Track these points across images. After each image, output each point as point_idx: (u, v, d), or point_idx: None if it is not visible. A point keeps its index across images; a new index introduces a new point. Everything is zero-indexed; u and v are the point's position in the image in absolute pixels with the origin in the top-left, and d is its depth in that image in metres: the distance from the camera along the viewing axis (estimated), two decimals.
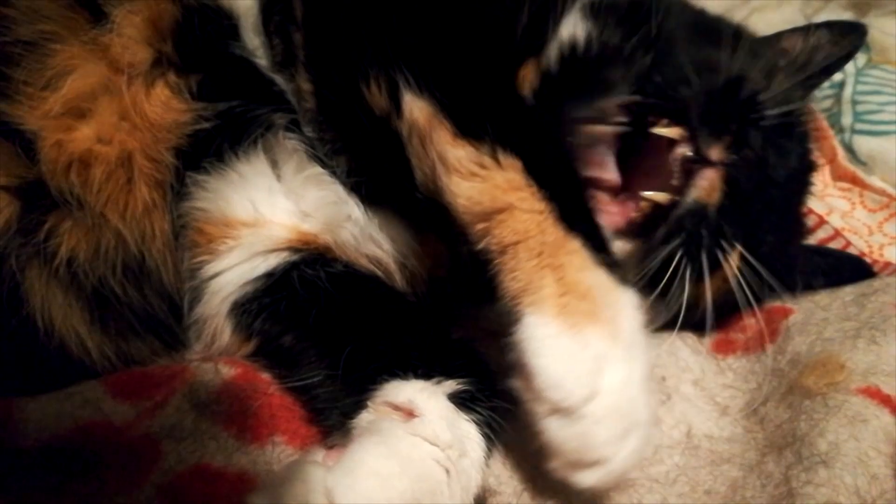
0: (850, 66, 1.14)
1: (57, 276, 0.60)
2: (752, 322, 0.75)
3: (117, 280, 0.62)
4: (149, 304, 0.64)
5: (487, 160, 0.56)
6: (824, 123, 1.01)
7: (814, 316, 0.71)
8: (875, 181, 0.94)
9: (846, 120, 1.02)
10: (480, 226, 0.57)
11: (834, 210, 0.94)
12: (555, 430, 0.51)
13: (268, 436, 0.59)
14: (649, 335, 0.70)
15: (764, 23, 1.02)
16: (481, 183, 0.56)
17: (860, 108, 1.02)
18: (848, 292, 0.76)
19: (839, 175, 0.96)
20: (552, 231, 0.55)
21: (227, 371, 0.61)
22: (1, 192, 0.58)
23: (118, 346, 0.63)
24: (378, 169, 0.66)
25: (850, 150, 0.99)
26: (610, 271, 0.55)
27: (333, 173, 0.67)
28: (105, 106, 0.61)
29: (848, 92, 1.04)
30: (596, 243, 0.56)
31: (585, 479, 0.51)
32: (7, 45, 0.58)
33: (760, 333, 0.72)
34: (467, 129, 0.57)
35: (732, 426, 0.65)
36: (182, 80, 0.64)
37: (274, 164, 0.68)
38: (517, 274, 0.54)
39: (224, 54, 0.65)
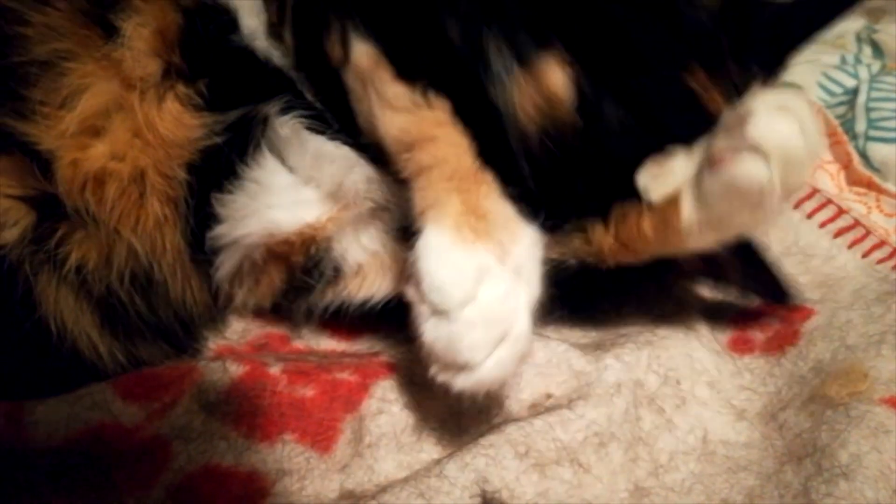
0: (864, 73, 1.12)
1: (67, 281, 0.59)
2: (771, 320, 0.74)
3: (125, 289, 0.62)
4: (156, 313, 0.64)
5: (420, 99, 0.60)
6: (839, 129, 0.98)
7: (836, 317, 0.69)
8: (891, 186, 0.91)
9: (860, 126, 0.99)
10: (406, 155, 0.60)
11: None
12: (430, 331, 0.54)
13: (277, 434, 0.59)
14: (667, 333, 0.71)
15: None
16: (411, 116, 0.60)
17: (874, 114, 1.00)
18: (872, 290, 0.74)
19: (855, 180, 0.93)
20: (467, 161, 0.59)
21: (235, 369, 0.60)
22: (19, 203, 0.58)
23: (128, 350, 0.63)
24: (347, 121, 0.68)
25: (863, 156, 0.96)
26: (516, 206, 0.58)
27: (335, 137, 0.68)
28: (118, 123, 0.60)
29: (862, 98, 1.02)
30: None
31: (458, 382, 0.54)
32: (24, 65, 0.57)
33: (780, 334, 0.71)
34: (405, 71, 0.61)
35: (749, 431, 0.64)
36: (191, 89, 0.63)
37: (282, 159, 0.66)
38: (426, 192, 0.58)
39: (227, 51, 0.64)
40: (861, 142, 0.98)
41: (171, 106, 0.62)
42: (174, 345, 0.66)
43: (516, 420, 0.59)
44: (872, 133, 0.98)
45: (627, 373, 0.65)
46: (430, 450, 0.61)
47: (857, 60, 1.15)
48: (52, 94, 0.57)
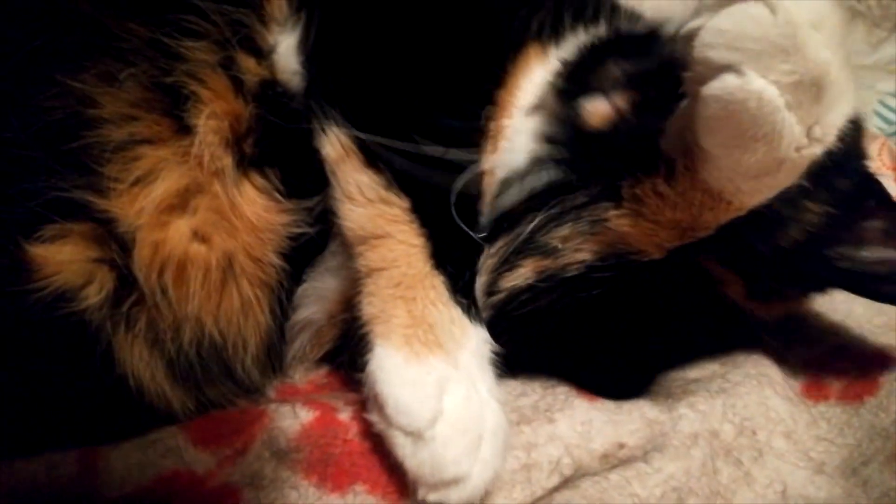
0: None
1: (140, 339, 0.59)
2: (846, 367, 0.71)
3: (194, 352, 0.61)
4: (225, 367, 0.64)
5: (382, 192, 0.61)
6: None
7: None
8: None
9: None
10: (359, 248, 0.61)
11: None
12: (410, 457, 0.54)
13: (349, 485, 0.57)
14: (739, 380, 0.68)
15: None
16: (370, 210, 0.60)
17: None
18: None
19: None
20: (418, 265, 0.60)
21: (306, 415, 0.59)
22: (103, 266, 0.58)
23: (197, 397, 0.62)
24: None
25: None
26: (464, 308, 0.60)
27: None
28: (201, 204, 0.60)
29: None
30: (462, 280, 0.61)
31: (452, 497, 0.54)
32: (97, 144, 0.57)
33: (857, 382, 0.69)
34: (372, 162, 0.61)
35: (830, 486, 0.61)
36: (267, 177, 0.63)
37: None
38: (373, 299, 0.59)
39: (298, 138, 0.64)
40: None
41: (252, 192, 0.62)
42: (241, 386, 0.65)
43: (591, 475, 0.58)
44: None
45: (703, 423, 0.63)
46: None
47: None
48: (125, 173, 0.57)
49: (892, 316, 0.77)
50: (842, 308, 0.79)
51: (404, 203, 0.61)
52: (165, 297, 0.59)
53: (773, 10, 0.46)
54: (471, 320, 0.59)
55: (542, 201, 0.65)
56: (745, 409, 0.66)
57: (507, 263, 0.66)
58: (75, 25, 0.57)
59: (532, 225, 0.64)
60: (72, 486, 0.54)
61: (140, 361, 0.59)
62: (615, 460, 0.60)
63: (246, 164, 0.63)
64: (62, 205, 0.55)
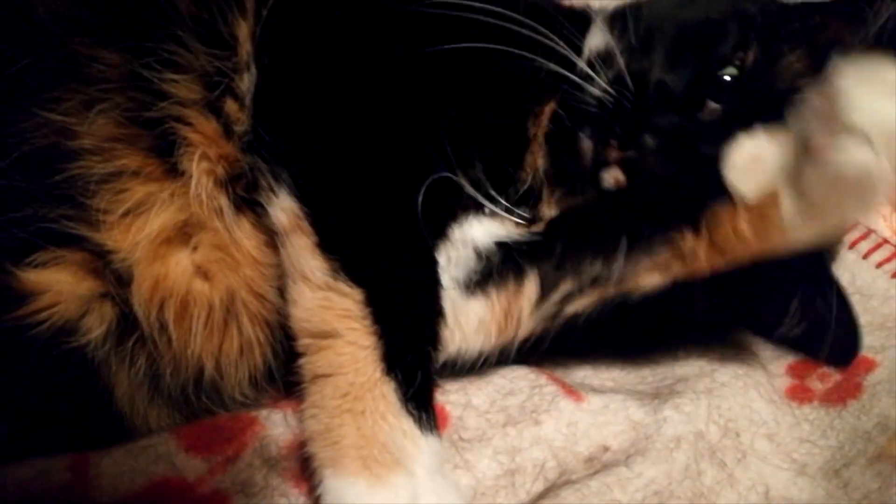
0: None
1: (140, 376, 0.60)
2: (829, 370, 0.72)
3: (192, 390, 0.62)
4: (220, 396, 0.64)
5: (332, 281, 0.57)
6: None
7: None
8: None
9: None
10: (306, 341, 0.58)
11: None
12: None
13: None
14: (726, 380, 0.70)
15: None
16: (321, 301, 0.57)
17: None
18: None
19: None
20: (368, 371, 0.56)
21: (297, 424, 0.60)
22: (104, 300, 0.58)
23: (188, 417, 0.63)
24: None
25: None
26: (415, 419, 0.56)
27: None
28: (201, 238, 0.60)
29: None
30: (413, 386, 0.56)
31: None
32: (78, 176, 0.56)
33: (840, 386, 0.70)
34: (328, 245, 0.58)
35: (812, 487, 0.63)
36: (264, 217, 0.62)
37: None
38: (318, 413, 0.56)
39: None
40: None
41: (250, 228, 0.62)
42: (235, 404, 0.65)
43: (573, 482, 0.58)
44: None
45: (687, 425, 0.64)
46: None
47: None
48: (113, 205, 0.57)
49: (876, 315, 0.78)
50: None
51: (357, 294, 0.57)
52: (166, 333, 0.59)
53: None
54: (422, 431, 0.56)
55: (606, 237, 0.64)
56: (729, 410, 0.67)
57: (573, 295, 0.66)
58: (45, 52, 0.57)
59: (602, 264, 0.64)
60: (63, 491, 0.54)
61: (138, 398, 0.60)
62: (599, 464, 0.61)
63: (241, 203, 0.62)
64: (52, 234, 0.56)
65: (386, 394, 0.55)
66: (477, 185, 0.67)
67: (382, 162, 0.61)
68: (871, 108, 0.49)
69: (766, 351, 0.76)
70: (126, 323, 0.58)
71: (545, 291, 0.66)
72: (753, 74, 0.64)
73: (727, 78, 0.64)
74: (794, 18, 0.67)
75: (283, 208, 0.59)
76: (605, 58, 0.68)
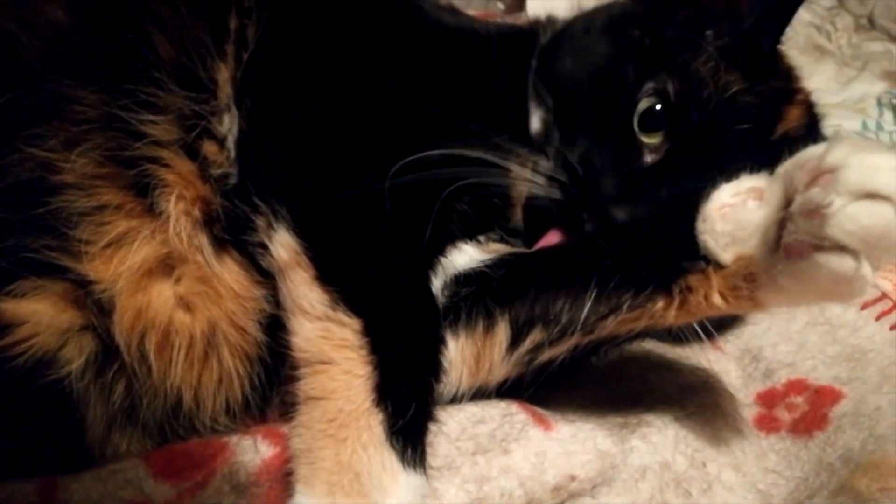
0: (885, 139, 1.12)
1: (116, 409, 0.61)
2: (798, 401, 0.73)
3: (168, 421, 0.63)
4: (192, 425, 0.64)
5: (330, 312, 0.59)
6: None
7: (865, 403, 0.69)
8: None
9: None
10: (303, 370, 0.59)
11: None
12: None
13: None
14: (693, 409, 0.71)
15: None
16: (320, 332, 0.59)
17: None
18: None
19: None
20: (358, 400, 0.57)
21: (266, 450, 0.61)
22: (85, 332, 0.59)
23: (160, 443, 0.63)
24: None
25: None
26: (399, 454, 0.56)
27: None
28: (184, 273, 0.61)
29: None
30: (404, 418, 0.57)
31: None
32: (62, 209, 0.57)
33: (807, 417, 0.71)
34: (326, 277, 0.60)
35: None
36: (243, 255, 0.63)
37: None
38: (303, 433, 0.57)
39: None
40: None
41: (232, 263, 0.63)
42: (209, 431, 0.65)
43: None
44: None
45: (654, 455, 0.65)
46: None
47: (879, 127, 1.15)
48: (96, 236, 0.58)
49: (845, 346, 0.79)
50: (796, 337, 0.82)
51: (355, 324, 0.58)
52: (146, 364, 0.59)
53: None
54: (405, 466, 0.56)
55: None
56: (696, 440, 0.68)
57: (543, 346, 0.66)
58: (29, 89, 0.58)
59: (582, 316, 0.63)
60: None
61: (112, 425, 0.60)
62: (565, 493, 0.62)
63: (222, 240, 0.63)
64: (35, 264, 0.56)
65: (372, 425, 0.56)
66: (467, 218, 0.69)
67: (376, 195, 0.62)
68: (858, 223, 0.49)
69: (735, 380, 0.78)
70: (106, 354, 0.59)
71: (515, 340, 0.66)
72: (693, 96, 0.66)
73: (658, 107, 0.67)
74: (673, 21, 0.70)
75: (282, 244, 0.61)
76: (545, 138, 0.71)
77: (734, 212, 0.58)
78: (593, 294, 0.61)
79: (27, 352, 0.56)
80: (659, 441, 0.66)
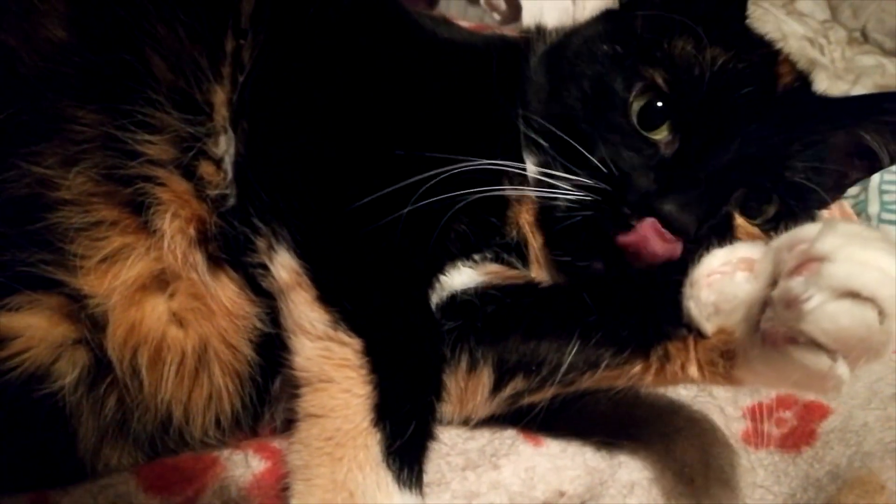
0: None
1: (108, 422, 0.61)
2: (787, 415, 0.74)
3: (159, 435, 0.63)
4: (183, 440, 0.65)
5: (331, 332, 0.59)
6: (850, 211, 0.99)
7: (853, 419, 0.69)
8: None
9: (873, 208, 1.02)
10: (303, 390, 0.60)
11: None
12: None
13: None
14: (682, 424, 0.71)
15: None
16: (321, 351, 0.59)
17: (887, 196, 1.02)
18: (888, 384, 0.74)
19: None
20: (356, 420, 0.57)
21: (258, 465, 0.61)
22: (78, 346, 0.59)
23: (150, 457, 0.63)
24: None
25: None
26: (395, 475, 0.56)
27: None
28: (178, 288, 0.61)
29: (875, 180, 1.04)
30: (403, 438, 0.57)
31: None
32: (58, 224, 0.58)
33: (796, 432, 0.71)
34: (327, 297, 0.60)
35: None
36: (238, 274, 0.64)
37: None
38: (301, 449, 0.57)
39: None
40: (874, 224, 0.99)
41: (226, 280, 0.63)
42: (200, 445, 0.65)
43: None
44: (885, 216, 0.99)
45: (642, 470, 0.66)
46: None
47: None
48: (91, 251, 0.58)
49: None
50: None
51: (356, 344, 0.59)
52: (138, 378, 0.59)
53: (882, 319, 0.47)
54: (400, 487, 0.56)
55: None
56: (684, 455, 0.68)
57: (524, 394, 0.66)
58: (28, 107, 0.58)
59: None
60: None
61: (103, 439, 0.60)
62: None
63: (217, 259, 0.63)
64: (30, 278, 0.57)
65: (369, 444, 0.56)
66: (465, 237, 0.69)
67: (376, 215, 0.62)
68: (836, 324, 0.47)
69: (724, 393, 0.78)
70: (98, 368, 0.59)
71: (498, 385, 0.66)
72: (684, 78, 0.67)
73: (659, 104, 0.68)
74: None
75: (283, 265, 0.61)
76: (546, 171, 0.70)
77: (721, 282, 0.57)
78: (574, 349, 0.62)
79: (20, 366, 0.56)
80: (647, 456, 0.67)
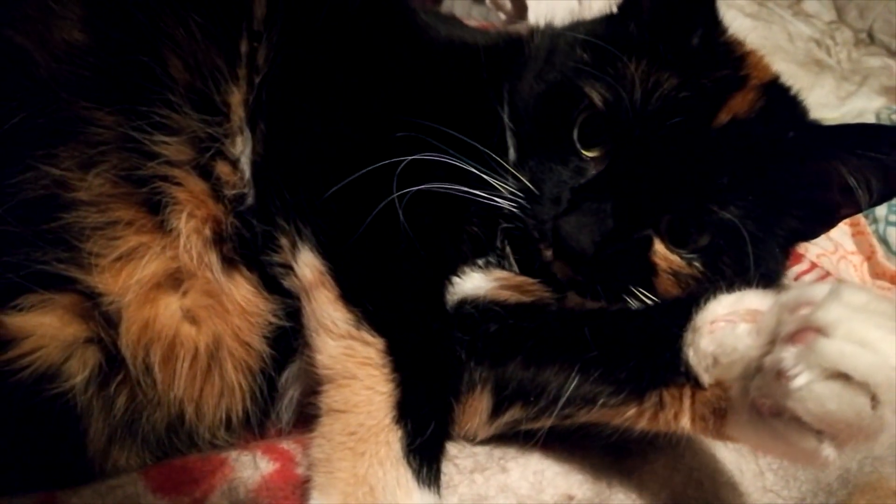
0: None
1: (117, 421, 0.61)
2: None
3: (167, 435, 0.63)
4: (192, 439, 0.65)
5: (354, 331, 0.60)
6: (861, 218, 0.99)
7: None
8: None
9: (881, 211, 1.00)
10: (326, 386, 0.60)
11: None
12: None
13: None
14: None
15: None
16: (344, 350, 0.59)
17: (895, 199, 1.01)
18: None
19: (878, 273, 0.94)
20: (378, 416, 0.58)
21: (266, 466, 0.61)
22: (89, 345, 0.59)
23: (158, 458, 0.63)
24: None
25: (884, 241, 0.97)
26: (415, 471, 0.56)
27: None
28: (192, 286, 0.61)
29: None
30: (423, 436, 0.57)
31: None
32: (74, 223, 0.58)
33: None
34: (350, 297, 0.61)
35: None
36: (253, 273, 0.64)
37: None
38: (324, 443, 0.58)
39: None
40: (882, 226, 0.99)
41: (240, 279, 0.63)
42: (208, 446, 0.65)
43: None
44: (893, 218, 0.99)
45: (650, 474, 0.65)
46: None
47: None
48: (107, 250, 0.58)
49: None
50: None
51: (379, 344, 0.59)
52: (150, 376, 0.60)
53: (874, 406, 0.45)
54: (419, 484, 0.56)
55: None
56: (693, 458, 0.68)
57: (521, 422, 0.66)
58: (47, 109, 0.58)
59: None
60: None
61: (112, 439, 0.60)
62: None
63: (232, 258, 0.64)
64: (44, 277, 0.57)
65: (391, 441, 0.57)
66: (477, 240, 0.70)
67: (396, 216, 0.62)
68: (822, 406, 0.45)
69: None
70: (109, 367, 0.59)
71: (496, 411, 0.66)
72: (623, 99, 0.65)
73: (592, 120, 0.67)
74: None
75: (306, 264, 0.62)
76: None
77: (723, 332, 0.55)
78: (573, 383, 0.61)
79: (31, 365, 0.56)
80: (655, 459, 0.67)
